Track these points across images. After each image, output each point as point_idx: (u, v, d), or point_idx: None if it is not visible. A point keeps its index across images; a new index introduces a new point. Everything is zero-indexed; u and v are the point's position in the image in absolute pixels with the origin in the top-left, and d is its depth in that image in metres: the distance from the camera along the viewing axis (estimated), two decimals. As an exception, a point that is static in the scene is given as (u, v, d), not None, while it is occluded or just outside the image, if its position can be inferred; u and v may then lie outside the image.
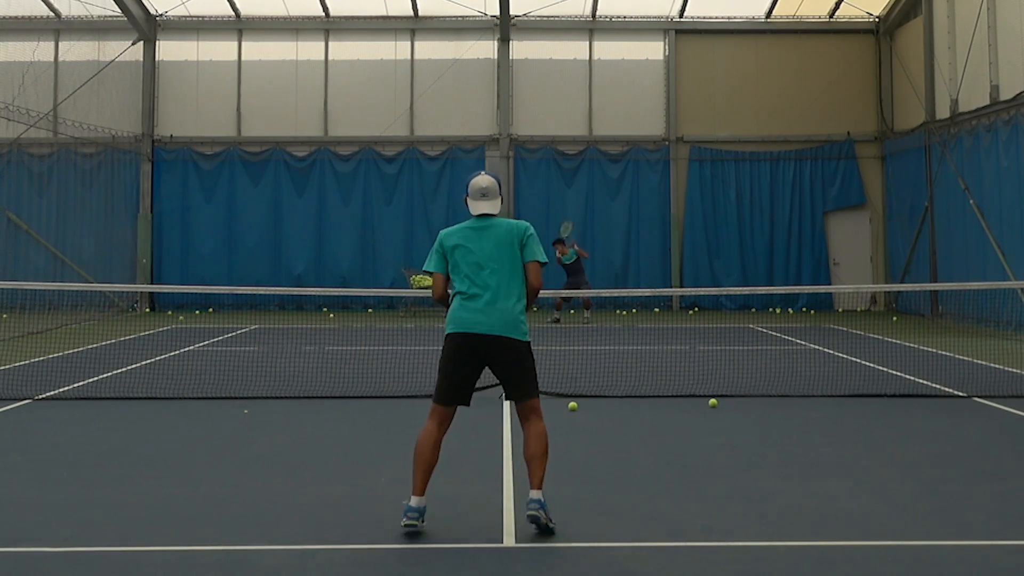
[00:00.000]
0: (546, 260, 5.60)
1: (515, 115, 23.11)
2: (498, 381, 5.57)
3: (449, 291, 5.63)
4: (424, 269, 5.74)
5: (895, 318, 20.31)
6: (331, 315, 21.10)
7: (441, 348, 5.60)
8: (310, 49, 23.41)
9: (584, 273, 19.90)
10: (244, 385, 10.32)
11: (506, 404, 9.34)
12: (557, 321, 19.35)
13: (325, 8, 23.00)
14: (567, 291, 18.06)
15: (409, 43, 23.35)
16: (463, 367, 5.48)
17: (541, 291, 5.70)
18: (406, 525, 5.20)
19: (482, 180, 5.66)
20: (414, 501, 5.27)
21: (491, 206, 5.61)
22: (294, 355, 13.58)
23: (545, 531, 5.20)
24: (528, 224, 5.63)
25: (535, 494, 5.24)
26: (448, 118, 23.08)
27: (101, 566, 4.81)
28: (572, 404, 9.20)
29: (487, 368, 5.55)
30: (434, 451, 5.40)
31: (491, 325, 5.40)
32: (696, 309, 22.44)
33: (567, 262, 19.59)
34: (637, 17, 23.20)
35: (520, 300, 5.50)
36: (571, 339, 16.01)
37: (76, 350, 13.80)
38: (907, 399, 9.81)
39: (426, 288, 19.56)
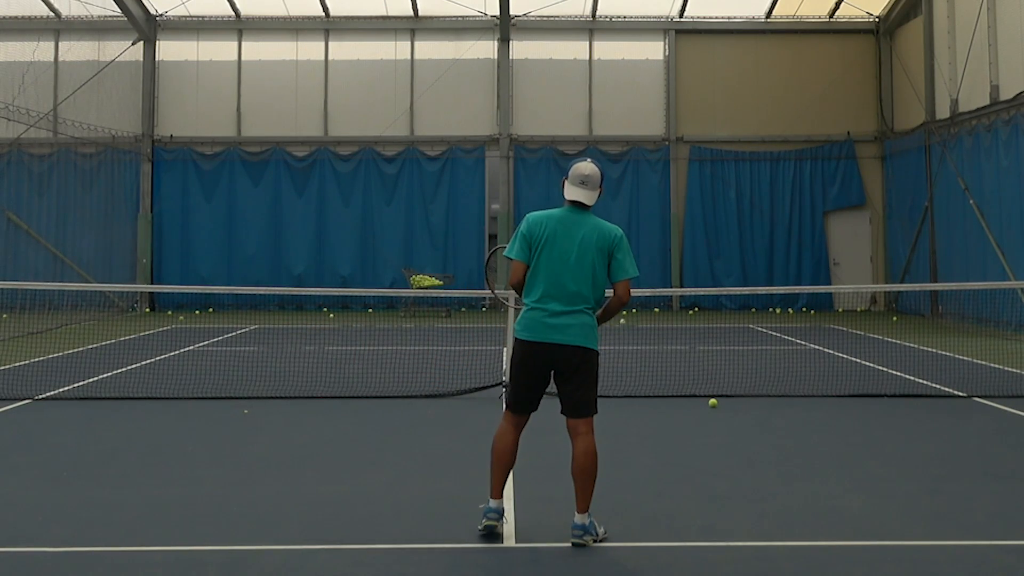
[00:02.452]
0: (637, 274, 5.36)
1: (515, 115, 23.11)
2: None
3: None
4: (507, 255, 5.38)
5: (895, 318, 20.31)
6: (331, 315, 21.10)
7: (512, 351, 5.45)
8: (310, 49, 23.41)
9: None
10: (244, 385, 10.31)
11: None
12: None
13: (325, 8, 23.00)
14: None
15: (409, 43, 23.35)
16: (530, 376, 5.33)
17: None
18: (486, 526, 5.22)
19: (584, 167, 5.36)
20: (493, 503, 5.28)
21: (588, 196, 5.33)
22: (294, 355, 13.58)
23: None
24: (622, 232, 5.36)
25: (579, 518, 5.11)
26: (448, 118, 23.08)
27: (101, 566, 4.81)
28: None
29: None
30: (512, 452, 5.33)
31: (563, 335, 5.17)
32: (696, 309, 22.45)
33: None
34: (637, 17, 23.21)
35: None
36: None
37: (76, 350, 13.80)
38: (907, 399, 9.81)
39: (426, 288, 19.64)
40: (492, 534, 5.22)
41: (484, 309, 22.50)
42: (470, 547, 5.09)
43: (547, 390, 5.36)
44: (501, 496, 5.28)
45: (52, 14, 22.58)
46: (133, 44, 22.66)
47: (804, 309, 21.98)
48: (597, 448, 5.21)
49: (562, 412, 5.30)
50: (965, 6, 18.88)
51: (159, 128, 23.15)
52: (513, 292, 5.58)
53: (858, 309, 22.46)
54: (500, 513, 5.22)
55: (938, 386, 10.55)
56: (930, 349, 14.12)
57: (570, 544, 5.09)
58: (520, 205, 22.92)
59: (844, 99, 23.01)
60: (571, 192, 5.32)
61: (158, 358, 13.16)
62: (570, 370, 5.19)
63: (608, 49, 23.43)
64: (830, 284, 22.38)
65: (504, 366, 10.26)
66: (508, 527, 5.40)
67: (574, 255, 5.21)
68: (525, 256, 5.28)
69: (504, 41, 22.96)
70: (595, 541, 5.12)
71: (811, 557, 4.94)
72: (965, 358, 12.97)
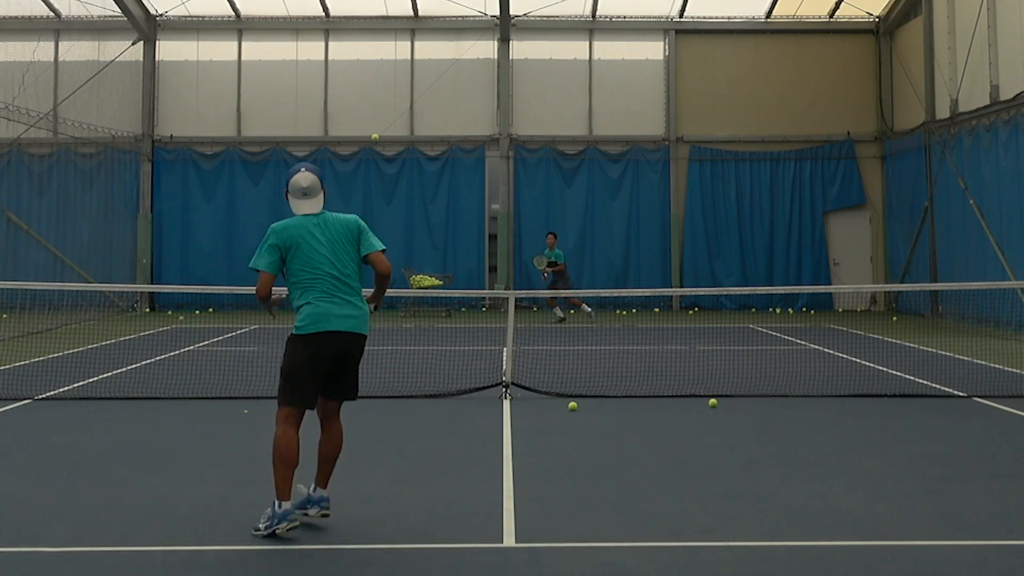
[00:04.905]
0: (384, 247, 5.66)
1: (515, 115, 23.11)
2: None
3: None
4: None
5: (895, 318, 20.31)
6: (331, 315, 21.06)
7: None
8: (310, 49, 23.41)
9: (568, 278, 19.90)
10: (244, 385, 10.31)
11: (506, 404, 9.37)
12: (562, 320, 19.34)
13: (325, 8, 23.00)
14: (552, 291, 17.97)
15: (409, 43, 23.35)
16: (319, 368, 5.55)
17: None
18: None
19: (302, 179, 5.58)
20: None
21: (313, 205, 5.59)
22: (294, 355, 13.54)
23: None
24: (355, 216, 5.68)
25: (325, 491, 5.49)
26: (448, 118, 23.08)
27: (101, 566, 4.81)
28: (572, 404, 9.19)
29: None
30: (297, 450, 5.39)
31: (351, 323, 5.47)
32: (696, 309, 22.44)
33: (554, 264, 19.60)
34: (637, 17, 23.20)
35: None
36: (571, 339, 16.01)
37: (76, 350, 13.80)
38: (907, 399, 9.81)
39: (426, 288, 19.64)
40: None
41: (484, 309, 22.51)
42: (470, 547, 5.09)
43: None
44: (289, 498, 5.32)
45: (52, 14, 22.57)
46: (133, 44, 22.66)
47: (804, 309, 21.98)
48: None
49: (333, 398, 5.58)
50: (965, 6, 18.87)
51: (159, 128, 23.15)
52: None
53: (858, 309, 22.46)
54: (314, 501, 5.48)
55: (938, 386, 10.55)
56: (930, 349, 14.12)
57: (566, 545, 5.10)
58: (520, 205, 22.94)
59: (844, 99, 23.01)
60: (299, 207, 5.60)
61: (158, 358, 13.16)
62: (350, 356, 5.54)
63: (608, 49, 23.43)
64: (830, 284, 22.38)
65: (504, 366, 10.26)
66: (508, 527, 5.40)
67: (337, 254, 5.50)
68: (274, 267, 5.54)
69: (504, 41, 22.96)
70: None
71: (811, 557, 4.94)
72: (965, 358, 12.97)
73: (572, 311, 20.26)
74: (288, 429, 5.34)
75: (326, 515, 5.45)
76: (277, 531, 5.15)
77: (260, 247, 5.56)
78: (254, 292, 5.65)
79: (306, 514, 5.43)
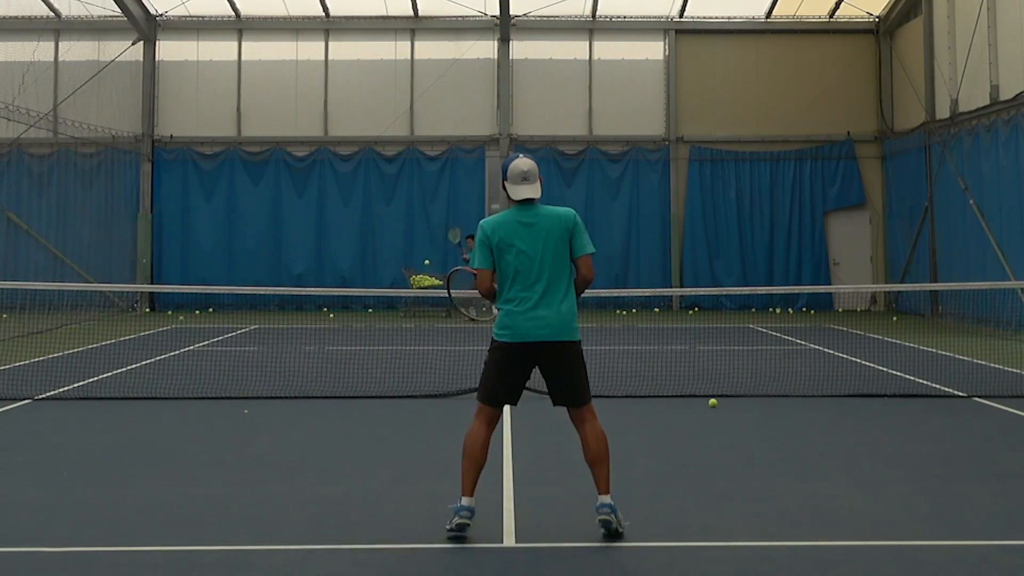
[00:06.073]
0: (594, 250, 5.43)
1: (515, 115, 23.11)
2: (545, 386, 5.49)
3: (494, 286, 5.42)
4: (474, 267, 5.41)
5: (895, 318, 20.31)
6: (331, 315, 21.10)
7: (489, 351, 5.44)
8: (310, 49, 23.41)
9: None
10: (244, 385, 10.31)
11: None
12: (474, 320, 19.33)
13: (325, 8, 23.00)
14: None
15: (409, 43, 23.36)
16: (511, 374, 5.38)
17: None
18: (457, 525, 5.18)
19: (522, 163, 5.41)
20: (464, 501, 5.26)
21: (534, 190, 5.39)
22: (294, 355, 13.58)
23: (615, 535, 5.14)
24: (574, 212, 5.44)
25: (604, 498, 5.18)
26: (448, 118, 23.08)
27: (101, 566, 4.81)
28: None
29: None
30: (483, 450, 5.33)
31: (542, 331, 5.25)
32: (696, 309, 22.45)
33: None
34: (637, 17, 23.21)
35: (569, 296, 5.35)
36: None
37: (76, 350, 13.79)
38: (907, 399, 9.81)
39: (426, 288, 19.63)
40: (462, 535, 5.19)
41: (484, 309, 22.47)
42: (470, 547, 5.09)
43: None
44: (472, 494, 5.28)
45: (52, 14, 22.58)
46: (133, 44, 22.66)
47: (804, 309, 21.98)
48: (605, 432, 5.33)
49: (556, 404, 5.42)
50: (965, 6, 18.87)
51: (159, 128, 23.15)
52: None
53: (858, 309, 22.46)
54: (472, 511, 5.25)
55: (938, 386, 10.55)
56: (930, 349, 14.12)
57: (566, 545, 5.09)
58: (520, 205, 22.90)
59: (844, 99, 23.01)
60: (517, 192, 5.38)
61: (158, 358, 13.16)
62: (556, 364, 5.30)
63: (608, 49, 23.43)
64: (830, 284, 22.37)
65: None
66: (508, 527, 5.40)
67: (539, 249, 5.28)
68: (488, 263, 5.35)
69: (504, 41, 22.96)
70: (620, 527, 5.14)
71: (811, 557, 4.94)
72: (965, 358, 12.97)
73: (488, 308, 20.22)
74: (477, 425, 5.35)
75: (603, 519, 5.14)
76: (446, 526, 5.17)
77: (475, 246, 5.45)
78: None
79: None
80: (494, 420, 5.39)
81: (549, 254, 5.30)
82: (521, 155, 5.52)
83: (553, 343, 5.27)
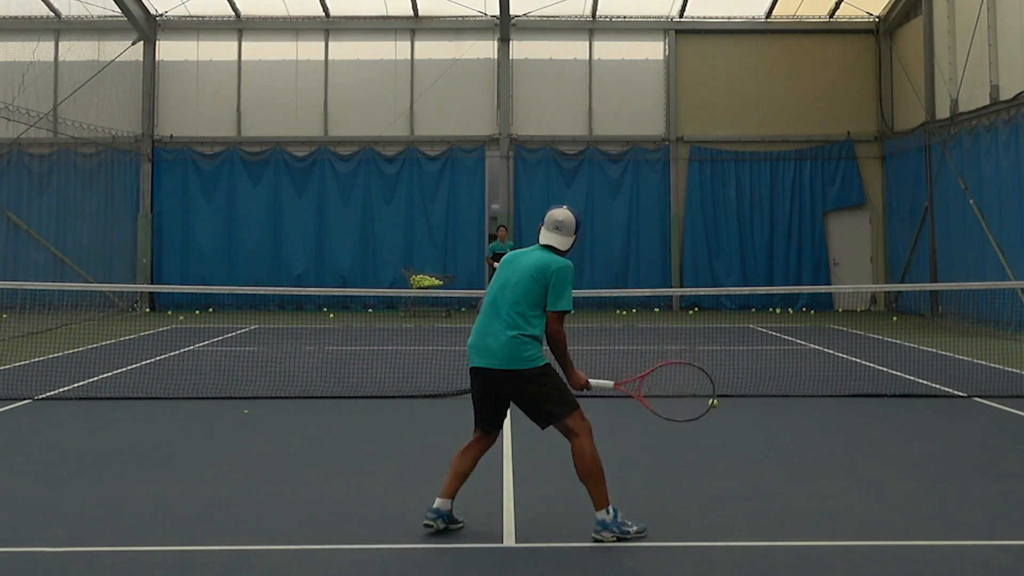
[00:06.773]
0: (568, 308, 5.34)
1: (515, 115, 23.11)
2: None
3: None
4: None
5: (895, 318, 20.31)
6: (331, 315, 21.10)
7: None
8: (310, 49, 23.40)
9: None
10: (244, 385, 10.32)
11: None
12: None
13: (325, 8, 22.99)
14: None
15: (409, 43, 23.35)
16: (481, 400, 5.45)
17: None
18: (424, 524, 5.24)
19: (559, 213, 5.48)
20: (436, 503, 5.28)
21: (560, 241, 5.43)
22: (294, 355, 13.58)
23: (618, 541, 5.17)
24: (566, 264, 5.35)
25: (597, 514, 5.18)
26: (448, 118, 23.08)
27: (101, 566, 4.81)
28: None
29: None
30: (464, 461, 5.37)
31: (490, 358, 5.29)
32: (696, 309, 22.44)
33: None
34: (637, 17, 23.20)
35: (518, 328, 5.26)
36: (570, 339, 15.96)
37: (76, 350, 13.79)
38: (907, 399, 9.81)
39: (426, 288, 19.62)
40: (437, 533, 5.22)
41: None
42: (470, 547, 5.09)
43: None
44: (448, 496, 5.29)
45: (52, 14, 22.57)
46: (133, 44, 22.66)
47: (804, 309, 21.98)
48: (592, 447, 5.24)
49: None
50: (965, 6, 18.87)
51: (159, 128, 23.14)
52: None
53: (858, 309, 22.46)
54: (438, 514, 5.24)
55: (938, 386, 10.55)
56: (930, 349, 14.12)
57: (566, 545, 5.10)
58: (520, 205, 22.93)
59: (844, 99, 23.00)
60: (544, 237, 5.46)
61: (158, 358, 13.16)
62: (510, 391, 5.32)
63: (608, 49, 23.43)
64: (830, 284, 22.37)
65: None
66: (508, 527, 5.40)
67: (512, 280, 5.34)
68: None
69: (504, 41, 22.95)
70: (619, 539, 5.12)
71: (811, 557, 4.94)
72: (965, 358, 12.97)
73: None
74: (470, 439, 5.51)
75: (592, 536, 5.17)
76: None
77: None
78: None
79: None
80: (482, 440, 5.42)
81: (509, 289, 5.32)
82: (566, 207, 5.57)
83: (499, 371, 5.26)
